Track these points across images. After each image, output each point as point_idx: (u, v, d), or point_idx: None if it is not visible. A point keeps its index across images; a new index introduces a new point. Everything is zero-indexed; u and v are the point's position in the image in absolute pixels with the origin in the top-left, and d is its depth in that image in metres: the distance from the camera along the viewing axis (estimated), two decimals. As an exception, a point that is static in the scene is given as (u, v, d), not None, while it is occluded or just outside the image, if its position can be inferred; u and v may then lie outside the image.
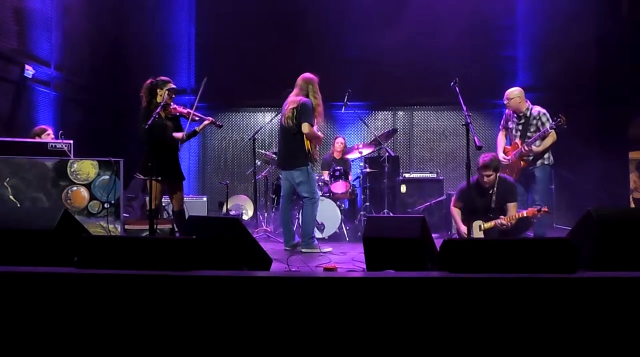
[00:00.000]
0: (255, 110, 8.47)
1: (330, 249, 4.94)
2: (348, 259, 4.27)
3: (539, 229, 4.70)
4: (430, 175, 6.75)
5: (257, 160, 6.52)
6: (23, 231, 2.50)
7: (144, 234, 4.59)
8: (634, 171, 6.10)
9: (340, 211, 5.89)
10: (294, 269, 3.53)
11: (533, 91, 7.01)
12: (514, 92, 4.93)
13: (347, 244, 5.55)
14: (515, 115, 4.97)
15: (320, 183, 6.04)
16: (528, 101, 4.95)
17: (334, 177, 6.06)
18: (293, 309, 2.03)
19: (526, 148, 4.77)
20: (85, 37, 6.99)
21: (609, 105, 6.57)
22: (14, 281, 2.12)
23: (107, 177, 4.46)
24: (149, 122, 3.97)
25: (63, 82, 6.49)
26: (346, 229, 6.04)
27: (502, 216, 4.36)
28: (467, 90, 4.37)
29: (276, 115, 6.66)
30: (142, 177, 4.36)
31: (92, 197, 4.44)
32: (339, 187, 6.05)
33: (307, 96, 4.84)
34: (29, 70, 5.74)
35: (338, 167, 6.18)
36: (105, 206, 4.45)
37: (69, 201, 4.38)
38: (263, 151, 6.73)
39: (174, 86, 4.41)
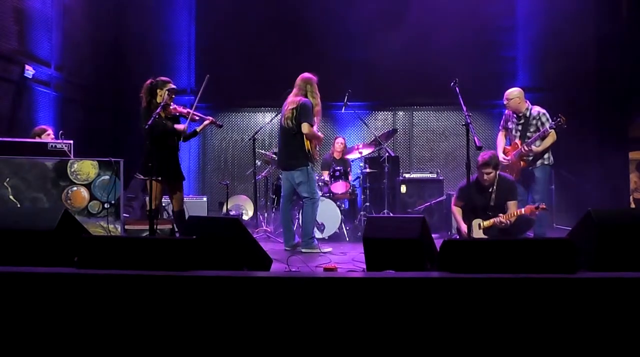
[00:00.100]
0: (255, 111, 8.46)
1: (330, 249, 4.94)
2: (348, 259, 4.27)
3: (539, 229, 4.69)
4: (430, 175, 6.75)
5: (257, 161, 6.52)
6: (23, 231, 2.50)
7: (144, 235, 4.59)
8: (634, 171, 6.11)
9: (340, 211, 5.89)
10: (294, 270, 3.53)
11: (533, 91, 7.01)
12: (514, 93, 4.93)
13: (347, 244, 5.55)
14: (514, 115, 4.98)
15: (320, 183, 6.04)
16: (528, 101, 4.96)
17: (334, 178, 6.07)
18: (293, 309, 2.03)
19: (526, 148, 4.77)
20: (85, 37, 6.99)
21: (609, 105, 6.57)
22: (15, 281, 2.12)
23: (107, 177, 4.46)
24: (149, 123, 3.97)
25: (63, 82, 6.49)
26: (346, 229, 6.04)
27: (501, 214, 4.36)
28: (467, 91, 4.37)
29: (276, 115, 6.66)
30: (142, 177, 4.35)
31: (92, 197, 4.44)
32: (339, 187, 6.05)
33: (306, 96, 4.84)
34: (29, 71, 5.75)
35: (338, 168, 6.18)
36: (106, 206, 4.45)
37: (69, 201, 4.38)
38: (263, 151, 6.73)
39: (173, 86, 4.41)
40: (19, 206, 4.18)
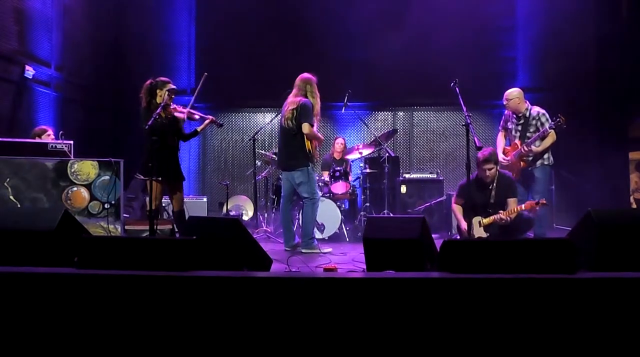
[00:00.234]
0: (255, 111, 8.46)
1: (330, 249, 4.94)
2: (348, 260, 4.27)
3: (539, 229, 4.69)
4: (430, 175, 6.75)
5: (257, 161, 6.52)
6: (23, 232, 2.50)
7: (144, 235, 4.59)
8: (635, 171, 6.11)
9: (340, 211, 5.89)
10: (294, 270, 3.53)
11: (533, 92, 7.01)
12: (513, 93, 4.93)
13: (347, 245, 5.55)
14: (514, 115, 4.98)
15: (320, 183, 6.04)
16: (527, 102, 4.96)
17: (334, 178, 6.07)
18: (293, 309, 2.03)
19: (526, 148, 4.77)
20: (85, 37, 6.99)
21: (609, 105, 6.57)
22: (15, 282, 2.12)
23: (107, 177, 4.46)
24: (149, 123, 3.98)
25: (63, 83, 6.50)
26: (346, 229, 6.04)
27: (501, 211, 4.36)
28: (467, 91, 4.37)
29: (276, 115, 6.65)
30: (142, 177, 4.35)
31: (93, 197, 4.44)
32: (339, 187, 6.05)
33: (306, 96, 4.84)
34: (30, 71, 5.75)
35: (338, 168, 6.19)
36: (106, 206, 4.45)
37: (69, 202, 4.38)
38: (263, 152, 6.73)
39: (173, 87, 4.41)
40: (19, 206, 4.18)
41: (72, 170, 4.40)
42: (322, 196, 5.70)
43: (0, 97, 5.45)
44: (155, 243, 2.34)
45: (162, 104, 4.23)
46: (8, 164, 4.22)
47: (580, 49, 6.87)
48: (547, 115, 4.82)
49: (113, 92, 7.57)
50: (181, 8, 8.21)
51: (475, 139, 3.89)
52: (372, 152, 6.66)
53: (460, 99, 4.14)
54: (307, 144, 4.84)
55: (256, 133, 6.48)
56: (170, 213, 5.09)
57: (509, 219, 4.29)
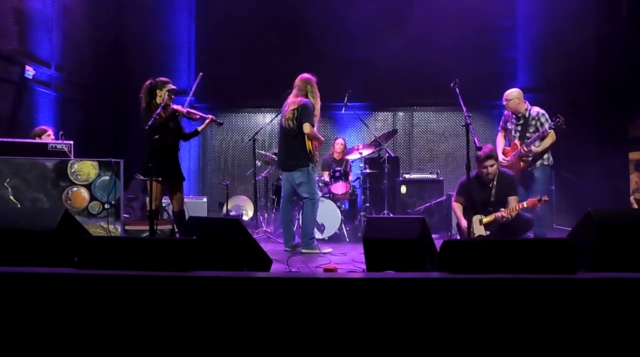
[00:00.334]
0: (255, 111, 8.46)
1: (330, 249, 4.94)
2: (348, 260, 4.27)
3: (539, 229, 4.69)
4: (430, 176, 6.75)
5: (257, 161, 6.52)
6: (23, 232, 2.50)
7: (144, 235, 4.59)
8: (635, 172, 6.11)
9: (340, 211, 5.89)
10: (294, 270, 3.53)
11: (533, 92, 7.01)
12: (513, 94, 4.93)
13: (347, 245, 5.55)
14: (514, 116, 4.98)
15: (320, 184, 6.04)
16: (527, 102, 4.96)
17: (334, 178, 6.07)
18: (293, 310, 2.03)
19: (525, 149, 4.77)
20: (85, 37, 6.99)
21: (609, 105, 6.57)
22: (15, 282, 2.12)
23: (107, 177, 4.46)
24: (149, 123, 3.98)
25: (63, 83, 6.49)
26: (346, 229, 6.04)
27: (502, 209, 4.36)
28: (467, 91, 4.37)
29: (276, 116, 6.66)
30: (142, 177, 4.36)
31: (93, 197, 4.44)
32: (339, 187, 6.05)
33: (306, 96, 4.85)
34: (30, 71, 5.75)
35: (338, 168, 6.19)
36: (106, 206, 4.45)
37: (69, 202, 4.38)
38: (263, 152, 6.73)
39: (173, 87, 4.41)
40: (19, 206, 4.18)
41: (72, 170, 4.40)
42: (322, 196, 5.70)
43: (1, 98, 5.46)
44: (156, 243, 2.34)
45: (162, 104, 4.23)
46: (8, 164, 4.22)
47: (580, 49, 6.87)
48: (547, 116, 4.82)
49: (113, 92, 7.57)
50: (181, 8, 8.21)
51: (475, 139, 3.89)
52: (372, 152, 6.66)
53: (460, 99, 4.14)
54: (308, 144, 4.84)
55: (256, 133, 6.49)
56: (170, 213, 5.09)
57: (510, 217, 4.29)
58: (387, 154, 6.28)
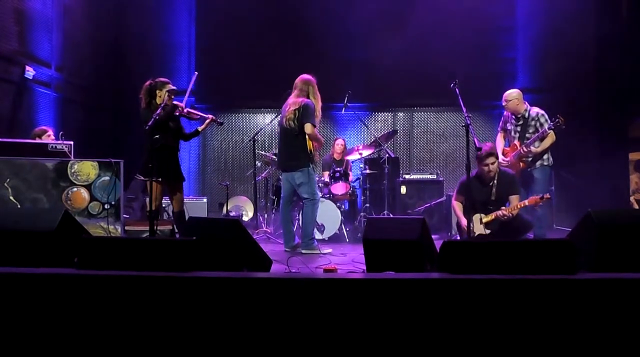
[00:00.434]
0: (255, 112, 8.46)
1: (330, 250, 4.94)
2: (348, 261, 4.27)
3: (539, 230, 4.69)
4: (430, 176, 6.75)
5: (257, 162, 6.52)
6: (23, 232, 2.50)
7: (144, 235, 4.59)
8: (635, 172, 6.11)
9: (340, 212, 5.89)
10: (294, 271, 3.53)
11: (533, 92, 7.02)
12: (512, 94, 4.93)
13: (347, 245, 5.55)
14: (513, 116, 4.98)
15: (320, 184, 6.04)
16: (526, 102, 4.96)
17: (334, 179, 6.07)
18: (293, 310, 2.03)
19: (525, 149, 4.77)
20: (85, 38, 6.99)
21: (609, 105, 6.57)
22: (15, 282, 2.12)
23: (107, 178, 4.46)
24: (149, 124, 3.98)
25: (63, 83, 6.50)
26: (346, 230, 6.04)
27: (503, 207, 4.35)
28: (467, 92, 4.37)
29: (276, 116, 6.65)
30: (142, 178, 4.36)
31: (93, 198, 4.44)
32: (339, 188, 6.05)
33: (307, 97, 4.85)
34: (30, 71, 5.75)
35: (338, 169, 6.19)
36: (106, 207, 4.45)
37: (69, 202, 4.38)
38: (263, 152, 6.73)
39: (173, 87, 4.41)
40: (19, 206, 4.18)
41: (72, 170, 4.40)
42: (322, 197, 5.71)
43: (1, 98, 5.46)
44: (156, 244, 2.34)
45: (161, 105, 4.23)
46: (8, 165, 4.22)
47: (580, 49, 6.87)
48: (546, 116, 4.82)
49: (113, 92, 7.58)
50: (181, 8, 8.21)
51: (475, 139, 3.90)
52: (372, 153, 6.66)
53: (460, 100, 4.14)
54: (309, 144, 4.84)
55: (256, 134, 6.49)
56: (170, 214, 5.09)
57: (511, 215, 4.28)
58: (387, 155, 6.28)
